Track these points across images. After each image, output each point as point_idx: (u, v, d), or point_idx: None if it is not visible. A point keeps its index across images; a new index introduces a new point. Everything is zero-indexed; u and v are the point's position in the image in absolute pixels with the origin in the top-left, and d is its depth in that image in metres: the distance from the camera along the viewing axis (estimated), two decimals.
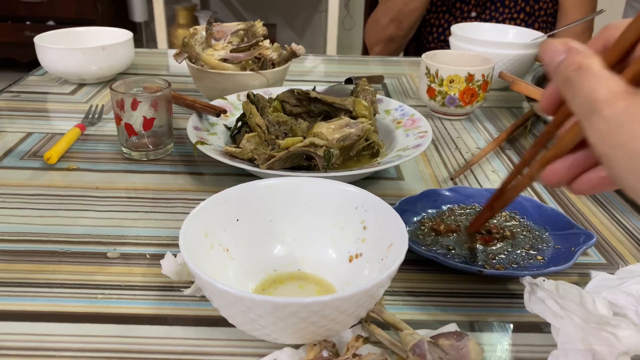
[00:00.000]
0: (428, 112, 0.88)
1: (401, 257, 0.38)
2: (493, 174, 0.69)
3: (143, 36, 3.24)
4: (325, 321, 0.36)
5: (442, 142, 0.78)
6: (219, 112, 0.67)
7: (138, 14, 3.10)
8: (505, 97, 0.96)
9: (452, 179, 0.66)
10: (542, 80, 0.90)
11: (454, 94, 0.82)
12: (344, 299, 0.34)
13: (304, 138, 0.63)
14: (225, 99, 0.75)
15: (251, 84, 0.79)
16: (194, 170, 0.67)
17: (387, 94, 0.96)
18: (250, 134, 0.59)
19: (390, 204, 0.58)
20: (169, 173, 0.66)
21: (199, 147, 0.60)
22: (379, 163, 0.61)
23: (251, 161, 0.59)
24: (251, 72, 0.78)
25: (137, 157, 0.69)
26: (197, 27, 0.82)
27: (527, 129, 0.80)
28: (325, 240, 0.48)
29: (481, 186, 0.66)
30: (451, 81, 0.81)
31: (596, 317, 0.39)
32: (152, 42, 3.11)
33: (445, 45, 1.31)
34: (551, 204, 0.62)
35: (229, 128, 0.70)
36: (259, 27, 0.84)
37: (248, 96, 0.63)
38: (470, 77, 0.80)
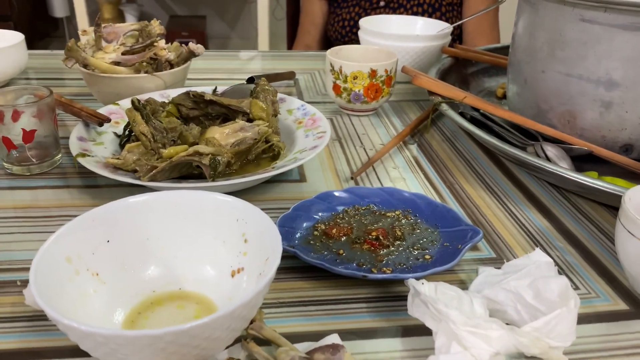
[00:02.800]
0: (337, 108, 0.87)
1: (271, 273, 0.37)
2: (394, 170, 0.69)
3: (65, 32, 3.08)
4: (189, 348, 0.34)
5: (348, 139, 0.77)
6: (101, 120, 0.63)
7: (58, 9, 2.94)
8: (413, 90, 0.96)
9: (352, 178, 0.66)
10: (447, 73, 0.91)
11: (359, 90, 0.81)
12: (201, 326, 0.32)
13: (196, 144, 0.61)
14: (117, 104, 0.71)
15: (146, 87, 0.75)
16: (83, 183, 0.63)
17: (299, 91, 0.95)
18: (133, 144, 0.56)
19: (288, 209, 0.57)
20: (55, 188, 0.62)
21: (80, 160, 0.57)
22: (273, 167, 0.59)
23: (136, 172, 0.56)
24: (145, 75, 0.74)
25: (20, 172, 0.64)
26: (86, 28, 0.77)
27: (429, 123, 0.81)
28: (207, 255, 0.46)
29: (381, 183, 0.66)
30: (355, 77, 0.80)
31: (469, 320, 0.39)
32: (75, 39, 2.97)
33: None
34: (449, 199, 0.63)
35: (119, 136, 0.66)
36: (155, 26, 0.80)
37: (132, 102, 0.60)
38: (373, 73, 0.80)
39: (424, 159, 0.72)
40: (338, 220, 0.55)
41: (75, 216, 0.57)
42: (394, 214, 0.56)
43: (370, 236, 0.52)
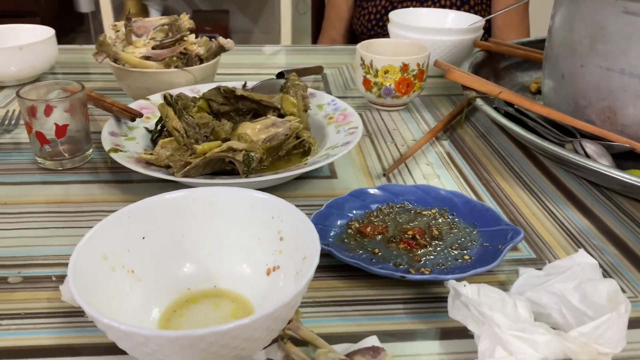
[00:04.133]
0: (366, 103, 0.86)
1: (310, 273, 0.36)
2: (427, 167, 0.67)
3: (90, 27, 3.11)
4: (228, 349, 0.33)
5: (379, 134, 0.76)
6: (134, 116, 0.63)
7: (84, 4, 2.97)
8: (444, 85, 0.94)
9: (384, 175, 0.64)
10: (480, 67, 0.89)
11: (390, 85, 0.79)
12: (241, 327, 0.32)
13: (228, 140, 0.60)
14: (148, 99, 0.71)
15: (176, 82, 0.75)
16: (114, 178, 0.63)
17: (327, 86, 0.94)
18: (166, 139, 0.56)
19: (321, 205, 0.56)
20: (87, 182, 0.62)
21: (112, 155, 0.56)
22: (305, 164, 0.58)
23: (169, 168, 0.55)
24: (175, 70, 0.74)
25: (53, 166, 0.64)
26: (117, 23, 0.77)
27: (463, 118, 0.79)
28: (242, 253, 0.45)
29: (415, 181, 0.64)
30: (386, 72, 0.79)
31: (515, 323, 0.37)
32: (99, 34, 2.99)
33: (385, 31, 1.29)
34: (485, 197, 0.61)
35: (150, 131, 0.66)
36: (185, 20, 0.80)
37: (165, 97, 0.60)
38: (405, 67, 0.78)
39: (458, 155, 0.71)
40: (372, 219, 0.54)
41: (107, 212, 0.57)
42: (430, 212, 0.55)
43: (406, 235, 0.51)
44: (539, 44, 0.97)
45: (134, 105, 0.68)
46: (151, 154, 0.55)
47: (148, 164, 0.56)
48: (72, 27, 3.14)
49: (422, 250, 0.49)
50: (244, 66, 1.02)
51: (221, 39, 0.79)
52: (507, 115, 0.74)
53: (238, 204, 0.45)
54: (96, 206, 0.58)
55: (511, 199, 0.61)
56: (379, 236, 0.51)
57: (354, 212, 0.54)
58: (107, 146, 0.58)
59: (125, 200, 0.58)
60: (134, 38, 0.76)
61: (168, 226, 0.44)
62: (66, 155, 0.64)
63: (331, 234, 0.51)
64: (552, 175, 0.66)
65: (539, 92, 0.90)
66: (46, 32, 0.94)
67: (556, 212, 0.59)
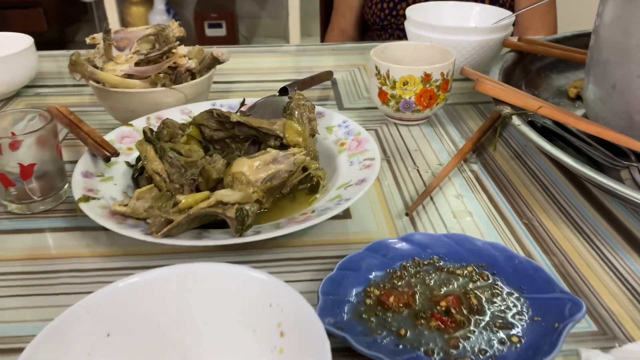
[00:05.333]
0: (382, 116, 0.76)
1: None
2: (457, 201, 0.57)
3: (95, 17, 3.02)
4: None
5: (398, 157, 0.66)
6: (108, 155, 0.54)
7: None
8: (470, 90, 0.84)
9: (407, 214, 0.55)
10: (511, 71, 0.78)
11: (410, 98, 0.69)
12: None
13: (220, 181, 0.51)
14: (131, 125, 0.62)
15: (164, 102, 0.65)
16: (94, 223, 0.54)
17: (337, 95, 0.83)
18: (144, 189, 0.47)
19: (332, 258, 0.47)
20: (61, 230, 0.53)
21: (82, 206, 0.47)
22: (314, 211, 0.48)
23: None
24: (162, 89, 0.64)
25: (20, 210, 0.56)
26: (95, 35, 0.67)
27: (495, 141, 0.68)
28: (233, 346, 0.36)
29: (442, 220, 0.55)
30: (405, 83, 0.68)
31: None
32: (104, 23, 2.89)
33: (400, 22, 1.18)
34: (527, 242, 0.51)
35: (132, 166, 0.57)
36: (174, 28, 0.70)
37: (144, 133, 0.50)
38: (427, 78, 0.68)
39: (491, 183, 0.60)
40: (395, 281, 0.44)
41: (84, 272, 0.48)
42: (465, 271, 0.45)
43: (438, 307, 0.41)
44: (577, 40, 0.86)
45: (113, 134, 0.59)
46: (126, 205, 0.46)
47: (125, 216, 0.47)
48: (76, 16, 3.04)
49: (460, 332, 0.39)
50: (243, 72, 0.92)
51: (215, 50, 0.69)
52: (544, 131, 0.63)
53: (227, 284, 0.36)
54: (72, 263, 0.49)
55: (559, 245, 0.51)
56: (405, 309, 0.41)
57: (373, 273, 0.45)
58: (77, 193, 0.49)
59: (105, 255, 0.49)
60: (115, 52, 0.66)
61: (139, 317, 0.35)
62: (35, 197, 0.55)
63: (346, 309, 0.41)
64: (606, 211, 0.56)
65: (579, 98, 0.79)
66: (25, 41, 0.85)
67: (618, 264, 0.49)
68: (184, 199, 0.43)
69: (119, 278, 0.46)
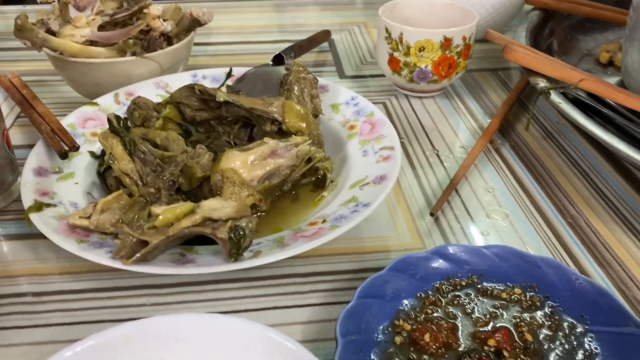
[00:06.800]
0: (391, 86, 0.66)
1: None
2: (488, 196, 0.49)
3: None
4: None
5: (413, 138, 0.57)
6: (65, 151, 0.43)
7: None
8: (488, 54, 0.74)
9: (432, 214, 0.46)
10: (538, 32, 0.68)
11: (426, 66, 0.59)
12: None
13: (207, 180, 0.41)
14: (95, 103, 0.51)
15: (136, 74, 0.54)
16: None
17: (337, 60, 0.73)
18: (110, 197, 0.37)
19: (345, 273, 0.39)
20: (12, 239, 0.43)
21: (33, 217, 0.37)
22: (324, 221, 0.39)
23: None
24: (132, 58, 0.53)
25: None
26: None
27: (529, 121, 0.58)
28: None
29: (473, 220, 0.46)
30: (421, 49, 0.58)
31: None
32: None
33: None
34: (575, 247, 0.43)
35: (97, 156, 0.47)
36: None
37: (109, 121, 0.40)
38: (447, 43, 0.58)
39: (524, 171, 0.52)
40: (429, 310, 0.36)
41: (41, 295, 0.38)
42: (512, 293, 0.37)
43: (486, 348, 0.33)
44: None
45: (73, 116, 0.49)
46: (89, 217, 0.36)
47: (87, 230, 0.37)
48: None
49: None
50: (228, 32, 0.80)
51: (194, 10, 0.57)
52: (577, 103, 0.54)
53: (224, 346, 0.27)
54: (23, 283, 0.39)
55: (612, 250, 0.43)
56: (445, 351, 0.33)
57: (402, 301, 0.36)
58: (27, 199, 0.39)
59: (68, 272, 0.40)
60: (74, 13, 0.54)
61: None
62: None
63: (372, 353, 0.33)
64: None
65: (611, 63, 0.70)
66: None
67: None
68: (161, 214, 0.34)
69: (83, 304, 0.38)
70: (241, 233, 0.34)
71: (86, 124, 0.49)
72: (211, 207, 0.34)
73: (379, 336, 0.34)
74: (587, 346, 0.33)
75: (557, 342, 0.34)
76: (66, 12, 0.54)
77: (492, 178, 0.51)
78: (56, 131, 0.44)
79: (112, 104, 0.51)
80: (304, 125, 0.45)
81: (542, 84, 0.54)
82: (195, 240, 0.38)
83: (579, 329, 0.34)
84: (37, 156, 0.44)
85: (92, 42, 0.54)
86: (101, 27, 0.55)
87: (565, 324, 0.35)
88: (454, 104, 0.63)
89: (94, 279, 0.40)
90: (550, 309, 0.36)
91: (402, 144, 0.55)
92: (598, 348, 0.33)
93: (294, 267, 0.41)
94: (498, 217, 0.46)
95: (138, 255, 0.33)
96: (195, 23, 0.58)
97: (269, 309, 0.38)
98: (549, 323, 0.35)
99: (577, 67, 0.66)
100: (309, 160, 0.45)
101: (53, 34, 0.55)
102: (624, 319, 0.34)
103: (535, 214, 0.47)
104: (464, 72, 0.63)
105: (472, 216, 0.46)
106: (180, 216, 0.34)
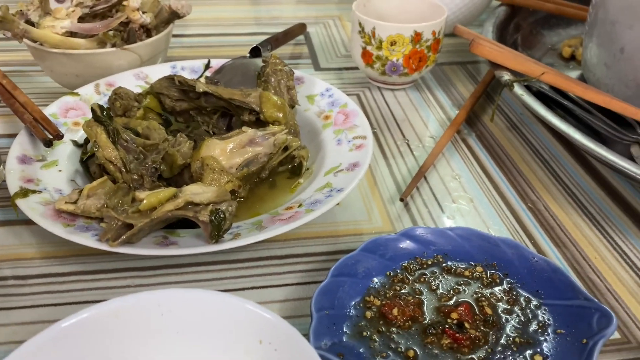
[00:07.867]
0: (364, 78, 0.68)
1: None
2: (454, 182, 0.52)
3: None
4: None
5: (385, 128, 0.59)
6: (49, 139, 0.44)
7: None
8: (457, 48, 0.77)
9: (401, 200, 0.49)
10: (504, 27, 0.71)
11: (397, 60, 0.62)
12: None
13: (187, 167, 0.43)
14: (76, 94, 0.52)
15: (116, 65, 0.55)
16: None
17: (312, 52, 0.75)
18: (95, 183, 0.39)
19: (320, 255, 0.41)
20: None
21: (19, 203, 0.39)
22: (300, 205, 0.42)
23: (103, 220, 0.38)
24: (113, 50, 0.54)
25: None
26: None
27: (494, 112, 0.62)
28: None
29: (440, 205, 0.49)
30: (392, 43, 0.61)
31: None
32: None
33: None
34: (535, 230, 0.46)
35: (79, 145, 0.48)
36: None
37: (92, 111, 0.41)
38: (417, 37, 0.60)
39: (489, 159, 0.55)
40: (397, 287, 0.38)
41: (27, 278, 0.40)
42: (474, 271, 0.40)
43: (449, 321, 0.36)
44: None
45: (55, 106, 0.50)
46: (75, 202, 0.38)
47: (73, 215, 0.39)
48: None
49: (477, 353, 0.34)
50: (205, 24, 0.82)
51: (174, 2, 0.59)
52: (539, 96, 0.57)
53: (205, 316, 0.29)
54: (10, 267, 0.41)
55: (568, 232, 0.46)
56: (412, 324, 0.36)
57: (373, 279, 0.39)
58: (12, 185, 0.40)
59: (53, 256, 0.41)
60: (53, 4, 0.55)
61: (97, 358, 0.28)
62: None
63: (344, 326, 0.36)
64: (612, 190, 0.51)
65: (573, 58, 0.73)
66: None
67: (633, 255, 0.44)
68: (145, 198, 0.36)
69: (68, 286, 0.39)
70: (222, 216, 0.36)
71: (68, 113, 0.50)
72: (193, 191, 0.37)
73: (351, 311, 0.37)
74: (540, 318, 0.37)
75: (514, 315, 0.37)
76: (46, 4, 0.55)
77: (458, 166, 0.54)
78: (39, 120, 0.46)
79: (93, 94, 0.52)
80: (281, 115, 0.47)
81: (506, 76, 0.57)
82: (177, 224, 0.40)
83: (534, 303, 0.38)
84: (20, 145, 0.45)
85: (72, 34, 0.55)
86: (81, 19, 0.56)
87: (522, 299, 0.38)
88: (424, 96, 0.66)
89: (79, 262, 0.41)
90: (508, 285, 0.39)
91: (375, 134, 0.58)
92: (550, 319, 0.36)
93: (272, 249, 0.43)
94: (463, 202, 0.49)
95: (123, 237, 0.35)
96: (173, 15, 0.59)
97: (248, 289, 0.40)
98: (507, 298, 0.38)
99: (541, 61, 0.70)
100: (286, 148, 0.47)
101: (32, 24, 0.55)
102: (574, 293, 0.37)
103: (498, 199, 0.50)
104: (434, 66, 0.65)
105: (439, 201, 0.49)
106: (163, 200, 0.36)
